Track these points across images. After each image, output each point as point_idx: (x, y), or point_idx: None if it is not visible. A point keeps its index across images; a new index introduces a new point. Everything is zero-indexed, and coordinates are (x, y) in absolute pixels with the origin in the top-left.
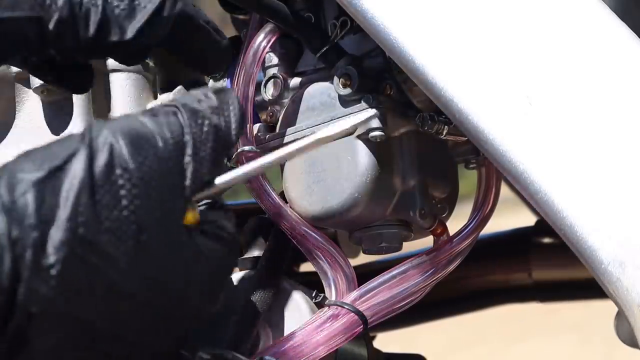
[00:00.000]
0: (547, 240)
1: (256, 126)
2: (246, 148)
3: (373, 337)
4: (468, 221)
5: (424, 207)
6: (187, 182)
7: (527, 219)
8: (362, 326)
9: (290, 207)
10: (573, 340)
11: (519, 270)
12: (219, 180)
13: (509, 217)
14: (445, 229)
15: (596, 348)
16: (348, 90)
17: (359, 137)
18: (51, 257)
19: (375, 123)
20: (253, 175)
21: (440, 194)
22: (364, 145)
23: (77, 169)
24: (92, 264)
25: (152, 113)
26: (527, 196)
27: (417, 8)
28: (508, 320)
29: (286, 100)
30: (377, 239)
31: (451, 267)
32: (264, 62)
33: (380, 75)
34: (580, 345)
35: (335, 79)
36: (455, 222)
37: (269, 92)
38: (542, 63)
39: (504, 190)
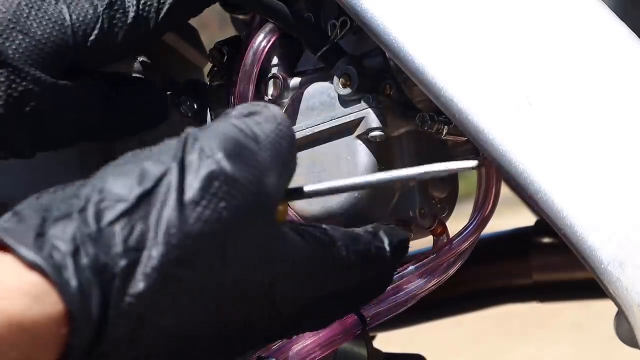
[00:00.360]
0: (547, 240)
1: None
2: None
3: (373, 337)
4: (468, 222)
5: (424, 207)
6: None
7: (527, 219)
8: (361, 327)
9: (295, 211)
10: (573, 340)
11: (519, 271)
12: (308, 188)
13: (509, 217)
14: (445, 229)
15: (596, 348)
16: (348, 91)
17: (359, 137)
18: (140, 284)
19: (376, 123)
20: (345, 190)
21: (440, 194)
22: (364, 145)
23: (167, 192)
24: (183, 281)
25: (245, 114)
26: (527, 196)
27: (417, 8)
28: (508, 320)
29: (286, 101)
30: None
31: (452, 270)
32: (264, 61)
33: (380, 75)
34: (580, 345)
35: (335, 79)
36: (456, 223)
37: (269, 92)
38: (542, 63)
39: (504, 190)
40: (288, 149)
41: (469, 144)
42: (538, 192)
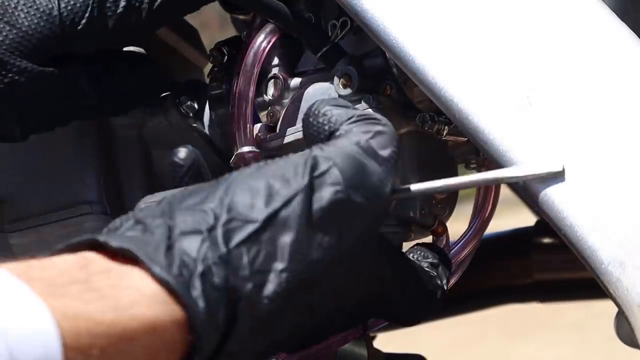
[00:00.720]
0: (547, 240)
1: (257, 126)
2: (245, 149)
3: (373, 337)
4: (468, 227)
5: (424, 207)
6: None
7: (527, 219)
8: (361, 330)
9: None
10: (573, 340)
11: (519, 271)
12: (414, 187)
13: (509, 217)
14: (445, 229)
15: (596, 348)
16: (348, 91)
17: None
18: (264, 307)
19: None
20: (447, 190)
21: (441, 194)
22: None
23: (294, 216)
24: (305, 303)
25: (369, 135)
26: (527, 196)
27: (417, 8)
28: (508, 320)
29: (286, 101)
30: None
31: (453, 279)
32: (264, 62)
33: (380, 76)
34: (581, 346)
35: (335, 79)
36: (456, 224)
37: (269, 92)
38: (542, 63)
39: (504, 190)
40: (396, 162)
41: (469, 143)
42: (538, 192)
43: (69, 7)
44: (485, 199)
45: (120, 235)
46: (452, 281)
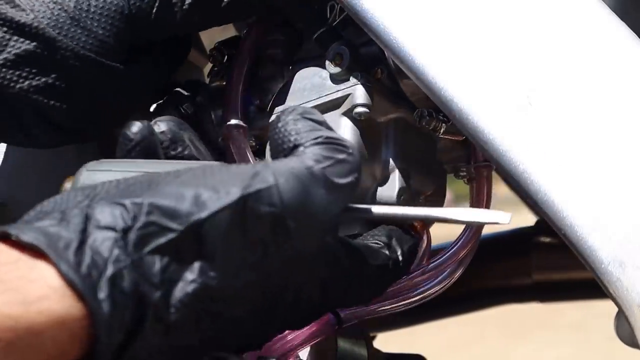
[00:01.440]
0: (547, 240)
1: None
2: (233, 121)
3: (373, 337)
4: (458, 237)
5: (404, 193)
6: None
7: (527, 219)
8: (337, 325)
9: None
10: (573, 340)
11: (519, 270)
12: (375, 209)
13: None
14: (426, 227)
15: (596, 348)
16: (338, 69)
17: (344, 113)
18: (171, 315)
19: (362, 99)
20: (407, 219)
21: (424, 190)
22: (348, 123)
23: (214, 232)
24: (213, 312)
25: (327, 161)
26: (527, 196)
27: (417, 8)
28: (508, 320)
29: (280, 84)
30: (354, 226)
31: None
32: (260, 49)
33: (374, 63)
34: (580, 346)
35: (328, 60)
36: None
37: (264, 72)
38: (542, 63)
39: (504, 190)
40: (353, 191)
41: (460, 150)
42: (538, 192)
43: (137, 4)
44: (479, 198)
45: (33, 227)
46: (454, 278)
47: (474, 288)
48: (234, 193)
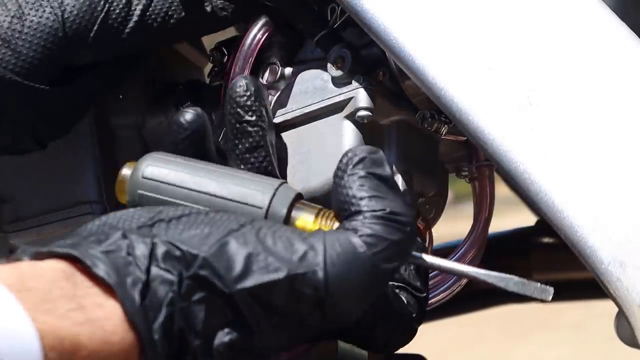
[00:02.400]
0: (547, 240)
1: None
2: None
3: None
4: (468, 234)
5: (406, 196)
6: None
7: (527, 219)
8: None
9: None
10: (573, 340)
11: (519, 270)
12: (428, 259)
13: (509, 217)
14: (428, 229)
15: (596, 348)
16: (340, 72)
17: (346, 117)
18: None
19: (364, 102)
20: (454, 273)
21: (426, 191)
22: (351, 126)
23: (259, 298)
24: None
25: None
26: (527, 196)
27: (417, 8)
28: (508, 320)
29: (281, 86)
30: None
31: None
32: (260, 52)
33: (376, 65)
34: (581, 346)
35: (329, 62)
36: (452, 223)
37: (265, 78)
38: (542, 63)
39: (504, 190)
40: (394, 273)
41: (462, 150)
42: (538, 192)
43: (74, 27)
44: (482, 197)
45: (103, 258)
46: (461, 284)
47: (474, 288)
48: (281, 271)
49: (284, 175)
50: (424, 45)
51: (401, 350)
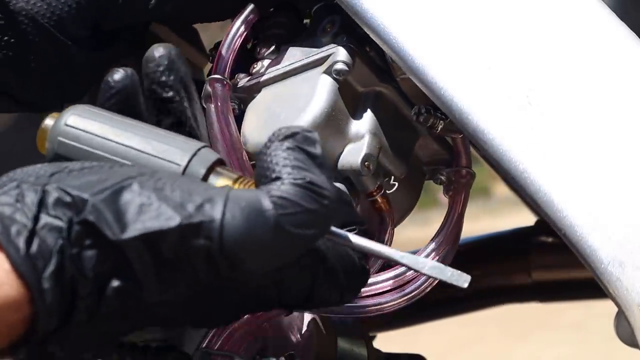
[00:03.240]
0: (547, 240)
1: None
2: (217, 75)
3: (373, 337)
4: (441, 224)
5: (369, 161)
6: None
7: (527, 219)
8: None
9: (245, 148)
10: (573, 340)
11: (519, 270)
12: (354, 239)
13: (509, 217)
14: (387, 206)
15: (596, 348)
16: (327, 34)
17: (324, 72)
18: (101, 309)
19: (342, 57)
20: (384, 257)
21: (393, 170)
22: (327, 80)
23: (142, 249)
24: (141, 309)
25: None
26: (527, 196)
27: (417, 8)
28: (508, 320)
29: (272, 60)
30: None
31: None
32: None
33: (368, 42)
34: (581, 345)
35: (320, 28)
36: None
37: (260, 50)
38: (542, 63)
39: (504, 190)
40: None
41: (443, 154)
42: (538, 191)
43: None
44: (454, 205)
45: None
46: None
47: (474, 288)
48: (173, 219)
49: (252, 129)
50: (423, 45)
51: (401, 350)
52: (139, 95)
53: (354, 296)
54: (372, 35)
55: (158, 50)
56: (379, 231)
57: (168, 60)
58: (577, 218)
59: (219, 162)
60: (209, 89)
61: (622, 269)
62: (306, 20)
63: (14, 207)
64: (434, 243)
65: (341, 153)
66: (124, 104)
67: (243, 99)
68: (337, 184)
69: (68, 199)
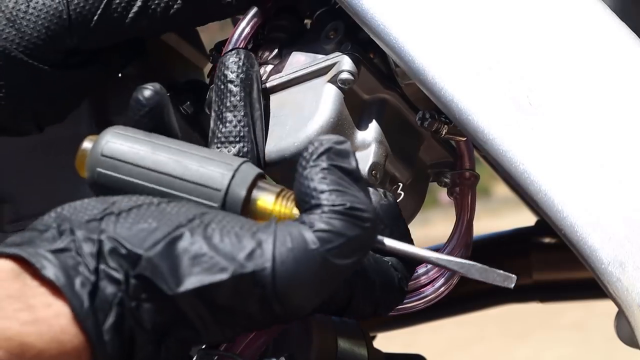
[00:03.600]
0: (547, 240)
1: None
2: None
3: (373, 337)
4: (453, 230)
5: (377, 170)
6: None
7: (527, 219)
8: None
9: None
10: (573, 340)
11: (519, 271)
12: (388, 242)
13: (509, 217)
14: None
15: (596, 348)
16: (331, 42)
17: (329, 81)
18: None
19: (347, 66)
20: (414, 258)
21: (399, 176)
22: (332, 89)
23: (202, 301)
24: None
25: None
26: (527, 196)
27: (417, 8)
28: (508, 320)
29: (276, 62)
30: None
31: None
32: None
33: (371, 46)
34: (581, 345)
35: (323, 35)
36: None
37: (263, 54)
38: (542, 63)
39: (504, 190)
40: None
41: (446, 157)
42: (538, 191)
43: (78, 10)
44: (462, 207)
45: (51, 260)
46: (452, 284)
47: (474, 288)
48: (226, 271)
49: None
50: (423, 45)
51: (401, 350)
52: (170, 110)
53: (387, 312)
54: (372, 36)
55: (238, 49)
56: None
57: (245, 55)
58: (577, 218)
59: (259, 177)
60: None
61: (623, 269)
62: (306, 21)
63: (74, 258)
64: (446, 249)
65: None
66: (157, 121)
67: None
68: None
69: (123, 251)
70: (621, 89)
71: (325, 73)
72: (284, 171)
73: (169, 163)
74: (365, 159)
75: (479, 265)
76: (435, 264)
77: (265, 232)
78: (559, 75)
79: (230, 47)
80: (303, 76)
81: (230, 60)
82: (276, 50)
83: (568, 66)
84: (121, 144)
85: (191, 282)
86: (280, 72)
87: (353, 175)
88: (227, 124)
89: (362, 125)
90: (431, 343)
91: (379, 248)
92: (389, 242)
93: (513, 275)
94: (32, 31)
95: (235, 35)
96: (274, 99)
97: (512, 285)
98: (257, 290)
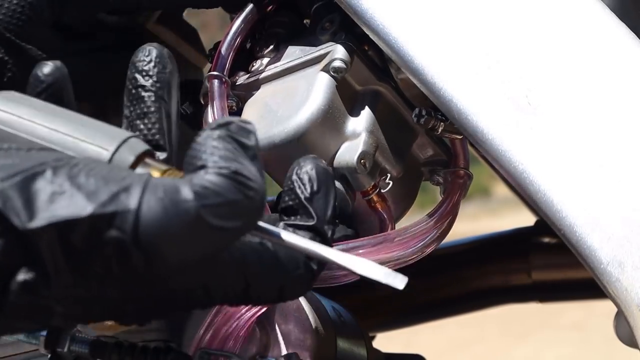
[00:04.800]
0: (547, 240)
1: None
2: (215, 73)
3: (373, 337)
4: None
5: (366, 159)
6: None
7: (527, 219)
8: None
9: None
10: (573, 340)
11: (519, 271)
12: (285, 236)
13: (509, 217)
14: (383, 205)
15: (596, 348)
16: (326, 33)
17: (322, 70)
18: (6, 306)
19: (340, 54)
20: (313, 254)
21: (389, 169)
22: (324, 78)
23: (53, 239)
24: (49, 306)
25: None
26: (526, 196)
27: (416, 8)
28: (508, 320)
29: (273, 58)
30: None
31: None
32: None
33: (366, 40)
34: (581, 346)
35: (319, 27)
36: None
37: (260, 49)
38: (541, 62)
39: (504, 190)
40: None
41: (440, 155)
42: (537, 191)
43: None
44: (448, 202)
45: None
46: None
47: (474, 288)
48: (85, 208)
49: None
50: (423, 45)
51: (401, 350)
52: (70, 90)
53: (296, 295)
54: (371, 36)
55: (151, 45)
56: (375, 230)
57: (158, 54)
58: (576, 218)
59: (149, 154)
60: (207, 85)
61: (622, 269)
62: (306, 21)
63: None
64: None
65: (337, 151)
66: (54, 99)
67: (242, 96)
68: (337, 183)
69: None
70: (620, 88)
71: (319, 62)
72: (273, 158)
73: (58, 121)
74: (354, 148)
75: (369, 262)
76: (325, 260)
77: (136, 179)
78: (558, 75)
79: (226, 44)
80: (297, 65)
81: (142, 61)
82: (273, 45)
83: (567, 66)
84: (11, 99)
85: (45, 216)
86: (274, 62)
87: (250, 151)
88: (137, 133)
89: (353, 115)
90: (431, 343)
91: (272, 241)
92: (285, 235)
93: (404, 276)
94: (9, 4)
95: (231, 32)
96: (267, 88)
97: (402, 287)
98: (115, 232)
